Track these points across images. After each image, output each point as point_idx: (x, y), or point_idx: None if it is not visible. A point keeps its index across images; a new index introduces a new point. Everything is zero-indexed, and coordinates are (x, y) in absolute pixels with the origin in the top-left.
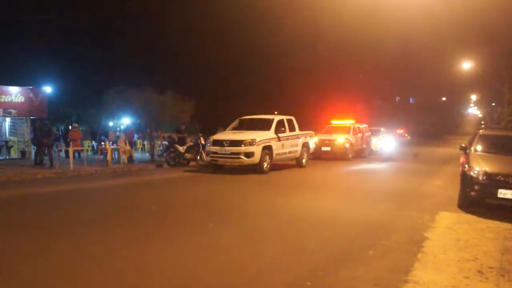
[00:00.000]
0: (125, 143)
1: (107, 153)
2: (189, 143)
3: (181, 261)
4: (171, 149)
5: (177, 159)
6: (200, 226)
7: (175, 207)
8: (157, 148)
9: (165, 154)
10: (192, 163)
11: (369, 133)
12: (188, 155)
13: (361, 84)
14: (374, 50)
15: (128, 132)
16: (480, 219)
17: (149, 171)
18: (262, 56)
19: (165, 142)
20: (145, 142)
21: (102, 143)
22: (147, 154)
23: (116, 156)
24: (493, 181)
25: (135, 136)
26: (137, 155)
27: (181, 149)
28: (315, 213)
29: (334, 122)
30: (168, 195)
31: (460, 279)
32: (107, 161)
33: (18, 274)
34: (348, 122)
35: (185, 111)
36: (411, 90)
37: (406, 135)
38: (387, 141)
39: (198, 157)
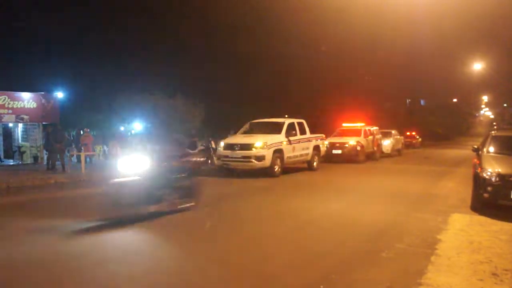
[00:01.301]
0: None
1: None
2: (200, 147)
3: (187, 268)
4: None
5: None
6: (210, 233)
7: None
8: None
9: None
10: (203, 167)
11: (380, 135)
12: (199, 159)
13: (372, 87)
14: (384, 52)
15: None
16: (494, 221)
17: None
18: (272, 59)
19: None
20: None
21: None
22: None
23: None
24: (506, 182)
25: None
26: None
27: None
28: (327, 216)
29: (345, 125)
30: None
31: (474, 281)
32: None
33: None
34: (359, 124)
35: (196, 114)
36: (422, 92)
37: (417, 137)
38: (396, 143)
39: (209, 161)
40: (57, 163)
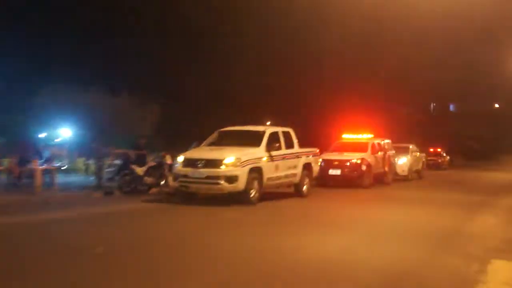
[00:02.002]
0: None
1: (34, 176)
2: (151, 163)
3: None
4: (126, 171)
5: (134, 185)
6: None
7: (124, 253)
8: (106, 170)
9: (117, 178)
10: (153, 189)
11: (394, 151)
12: (148, 179)
13: (384, 87)
14: (403, 45)
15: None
16: None
17: (94, 200)
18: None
19: (118, 162)
20: (90, 162)
21: (27, 162)
22: (92, 178)
23: (47, 179)
24: None
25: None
26: (79, 178)
27: (140, 170)
28: (318, 261)
29: (346, 136)
30: (117, 236)
31: None
32: (34, 188)
33: None
34: (365, 136)
35: (147, 119)
36: (451, 95)
37: (444, 154)
38: (415, 162)
39: (163, 182)
40: None
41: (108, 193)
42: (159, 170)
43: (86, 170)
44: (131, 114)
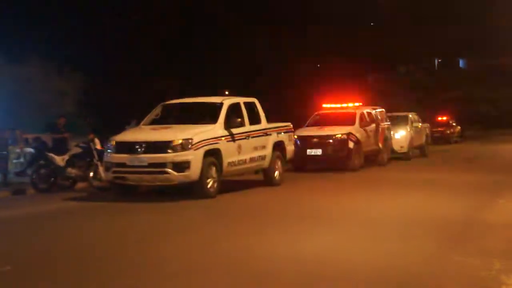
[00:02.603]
0: None
1: None
2: (74, 150)
3: None
4: (41, 162)
5: (52, 179)
6: None
7: (40, 269)
8: (14, 161)
9: (29, 171)
10: (80, 184)
11: (389, 122)
12: (72, 171)
13: (374, 39)
14: None
15: None
16: None
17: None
18: None
19: (30, 149)
20: None
21: None
22: None
23: None
24: None
25: None
26: None
27: (60, 160)
28: (299, 264)
29: (327, 106)
30: (31, 248)
31: None
32: None
33: None
34: (352, 105)
35: (68, 92)
36: (461, 46)
37: (454, 123)
38: (417, 136)
39: (91, 174)
40: None
41: (18, 191)
42: (86, 158)
43: None
44: (45, 87)
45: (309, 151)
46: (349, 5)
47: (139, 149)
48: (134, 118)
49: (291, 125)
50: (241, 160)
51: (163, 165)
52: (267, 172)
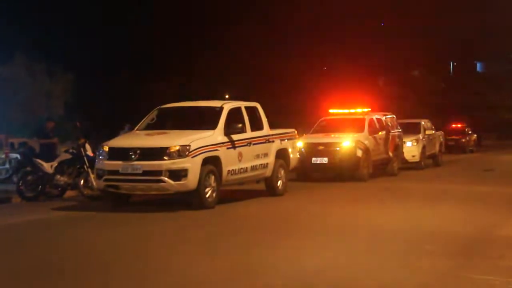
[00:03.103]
0: None
1: None
2: (64, 156)
3: None
4: (28, 168)
5: (40, 187)
6: None
7: (22, 284)
8: None
9: (15, 178)
10: (69, 192)
11: (400, 130)
12: (61, 178)
13: (385, 42)
14: None
15: None
16: None
17: None
18: None
19: (16, 155)
20: None
21: None
22: None
23: None
24: None
25: None
26: None
27: (48, 166)
28: (300, 281)
29: (334, 111)
30: (17, 261)
31: None
32: None
33: None
34: (360, 110)
35: (57, 94)
36: (478, 50)
37: (470, 131)
38: (430, 144)
39: (82, 182)
40: None
41: (3, 200)
42: (76, 165)
43: None
44: (33, 89)
45: (314, 160)
46: (359, 4)
47: (133, 156)
48: (128, 123)
49: (295, 132)
50: (241, 168)
51: (158, 173)
52: (269, 182)
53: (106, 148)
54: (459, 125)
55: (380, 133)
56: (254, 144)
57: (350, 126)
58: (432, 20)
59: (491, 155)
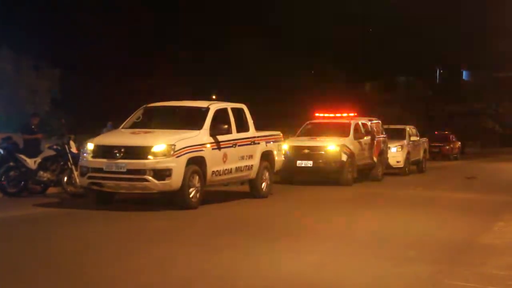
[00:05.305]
0: None
1: None
2: (47, 152)
3: None
4: (11, 164)
5: (23, 183)
6: None
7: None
8: None
9: None
10: (52, 189)
11: (385, 135)
12: (44, 175)
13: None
14: None
15: None
16: None
17: None
18: None
19: None
20: None
21: None
22: None
23: None
24: None
25: None
26: None
27: (31, 162)
28: (281, 285)
29: (320, 115)
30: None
31: None
32: None
33: None
34: (346, 115)
35: (40, 90)
36: (466, 55)
37: (454, 139)
38: (415, 151)
39: (66, 179)
40: None
41: None
42: (59, 161)
43: None
44: (18, 83)
45: (299, 163)
46: (347, 9)
47: (117, 154)
48: (112, 120)
49: (281, 134)
50: (226, 169)
51: (142, 172)
52: (253, 183)
53: (90, 146)
54: (444, 132)
55: (365, 138)
56: (239, 145)
57: (336, 130)
58: (420, 28)
59: (474, 162)
